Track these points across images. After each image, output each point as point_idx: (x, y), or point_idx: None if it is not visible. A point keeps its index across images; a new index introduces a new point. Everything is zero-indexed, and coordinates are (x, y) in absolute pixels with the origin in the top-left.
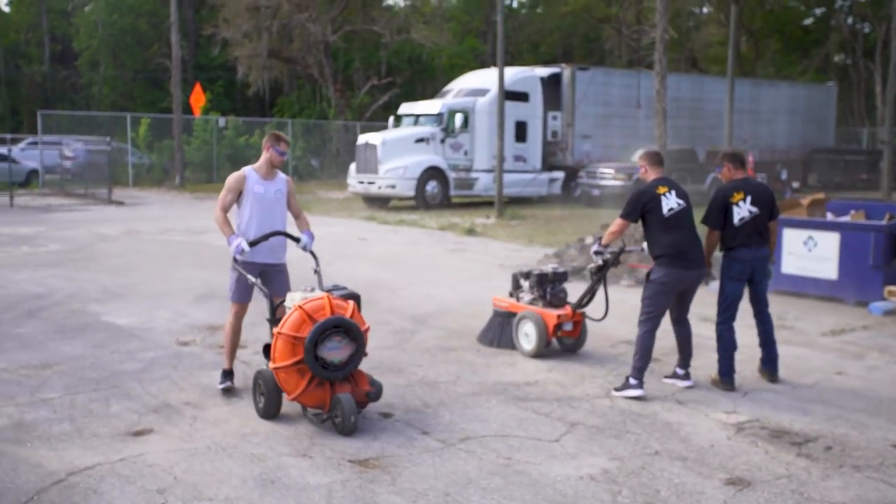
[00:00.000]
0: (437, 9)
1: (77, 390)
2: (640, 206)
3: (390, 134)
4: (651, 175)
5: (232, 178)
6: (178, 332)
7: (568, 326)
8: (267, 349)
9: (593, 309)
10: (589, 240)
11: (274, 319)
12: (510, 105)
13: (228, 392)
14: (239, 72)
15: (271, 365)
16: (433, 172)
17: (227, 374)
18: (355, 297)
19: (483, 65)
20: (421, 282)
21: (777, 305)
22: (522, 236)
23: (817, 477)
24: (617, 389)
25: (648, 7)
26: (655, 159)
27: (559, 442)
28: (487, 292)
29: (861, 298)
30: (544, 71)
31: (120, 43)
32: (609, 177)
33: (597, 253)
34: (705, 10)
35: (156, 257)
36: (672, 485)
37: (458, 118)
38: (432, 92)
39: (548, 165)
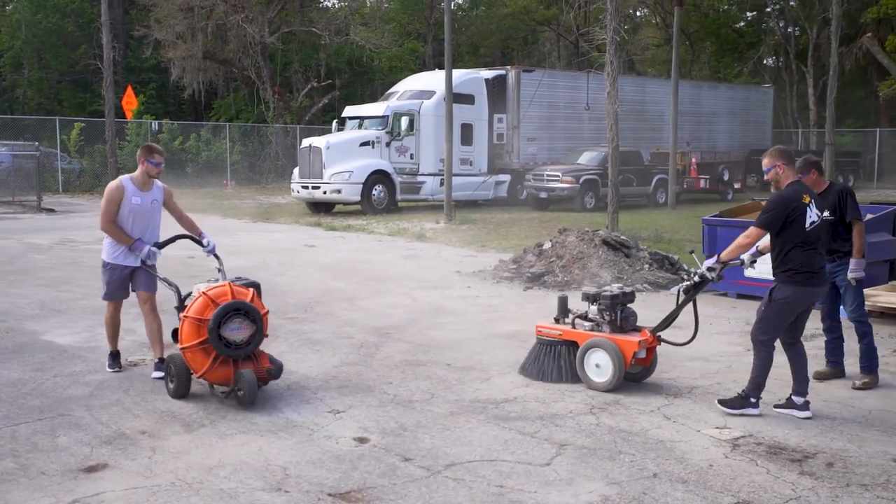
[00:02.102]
0: (376, 10)
1: (18, 421)
2: (786, 215)
3: (335, 137)
4: (788, 177)
5: (112, 190)
6: (126, 352)
7: (641, 353)
8: (175, 333)
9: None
10: (547, 244)
11: (181, 307)
12: (456, 108)
13: (118, 372)
14: (173, 74)
15: (179, 346)
16: (379, 176)
17: (115, 357)
18: (255, 286)
19: (423, 67)
20: (378, 291)
21: (742, 310)
22: (474, 241)
23: (826, 498)
24: (732, 407)
25: (598, 8)
26: (790, 158)
27: (551, 465)
28: (448, 301)
29: None
30: (489, 73)
31: (45, 44)
32: (556, 179)
33: (710, 269)
34: (639, 13)
35: (94, 269)
36: None
37: (404, 121)
38: (372, 94)
39: (494, 168)
